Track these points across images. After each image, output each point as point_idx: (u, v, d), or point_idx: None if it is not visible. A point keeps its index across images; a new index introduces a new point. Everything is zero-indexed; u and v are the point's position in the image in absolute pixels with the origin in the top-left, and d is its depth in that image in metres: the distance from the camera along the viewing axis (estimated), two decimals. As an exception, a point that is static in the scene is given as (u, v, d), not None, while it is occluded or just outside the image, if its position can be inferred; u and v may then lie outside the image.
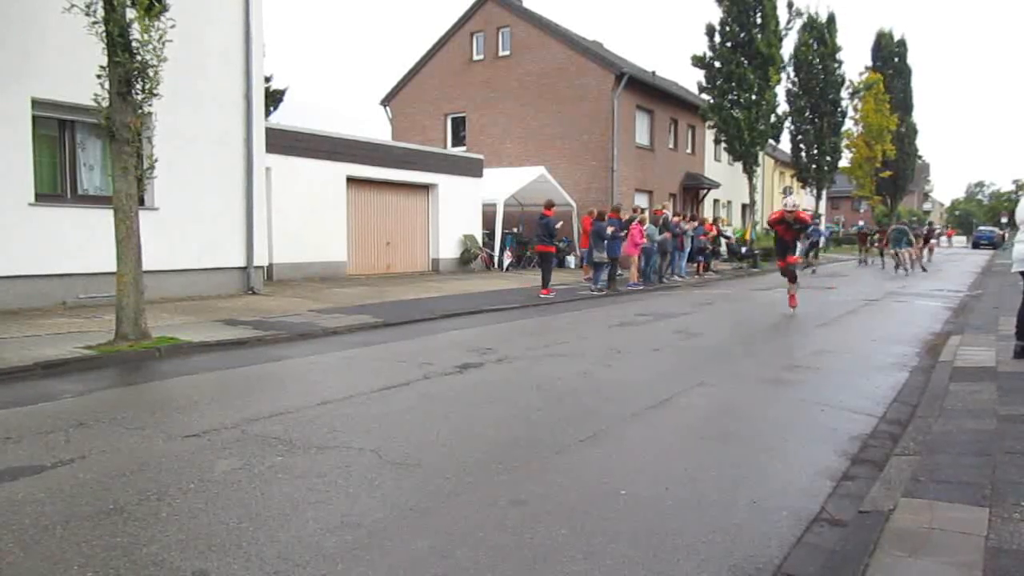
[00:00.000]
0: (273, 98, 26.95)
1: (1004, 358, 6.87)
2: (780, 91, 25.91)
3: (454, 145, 27.80)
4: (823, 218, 39.43)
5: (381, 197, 18.86)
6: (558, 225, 15.35)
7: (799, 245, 12.14)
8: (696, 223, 20.29)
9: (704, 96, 24.72)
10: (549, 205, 14.99)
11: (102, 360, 7.10)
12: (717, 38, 23.70)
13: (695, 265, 20.68)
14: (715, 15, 24.23)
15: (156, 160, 8.41)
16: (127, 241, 7.68)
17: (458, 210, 20.61)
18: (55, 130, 10.81)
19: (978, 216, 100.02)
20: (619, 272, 16.45)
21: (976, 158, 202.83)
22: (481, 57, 27.49)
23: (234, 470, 3.99)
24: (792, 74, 30.56)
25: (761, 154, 26.51)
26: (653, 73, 28.95)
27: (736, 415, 5.39)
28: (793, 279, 11.50)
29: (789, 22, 24.69)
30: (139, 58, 7.43)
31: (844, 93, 31.83)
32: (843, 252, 41.41)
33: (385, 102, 30.32)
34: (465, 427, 4.93)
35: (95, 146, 11.19)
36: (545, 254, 14.50)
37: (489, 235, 21.99)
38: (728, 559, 2.99)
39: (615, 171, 24.53)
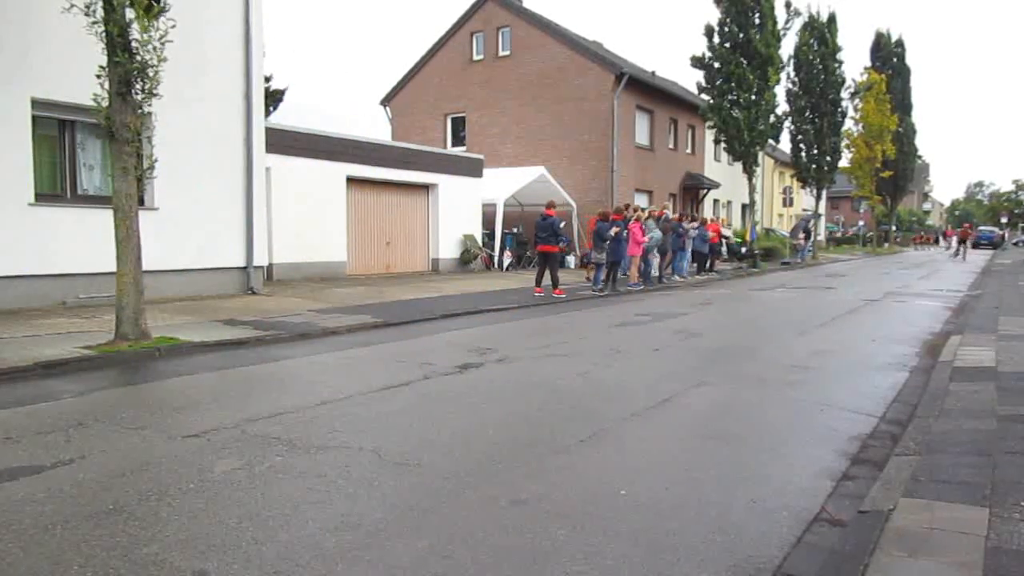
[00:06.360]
0: (273, 98, 26.93)
1: (1004, 358, 6.87)
2: (780, 91, 25.85)
3: (454, 145, 27.80)
4: (822, 219, 39.40)
5: (381, 197, 18.85)
6: (562, 225, 15.36)
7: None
8: (696, 223, 20.27)
9: (703, 96, 24.70)
10: (551, 205, 15.02)
11: (102, 360, 7.10)
12: (716, 39, 23.66)
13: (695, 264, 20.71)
14: (714, 16, 24.14)
15: (156, 160, 8.41)
16: (127, 241, 7.67)
17: (458, 210, 20.61)
18: (55, 130, 10.80)
19: (978, 216, 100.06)
20: (620, 272, 16.45)
21: (976, 158, 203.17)
22: (481, 57, 27.48)
23: (234, 470, 3.99)
24: (792, 74, 30.49)
25: (761, 154, 26.49)
26: (653, 73, 28.95)
27: (736, 415, 5.39)
28: None
29: (787, 22, 24.64)
30: (139, 58, 7.42)
31: (844, 93, 31.77)
32: (842, 252, 41.47)
33: (385, 102, 30.31)
34: (465, 427, 4.93)
35: (95, 146, 11.18)
36: (551, 254, 14.52)
37: (489, 235, 21.98)
38: (728, 559, 2.99)
39: (615, 171, 24.53)
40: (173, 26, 7.54)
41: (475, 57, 27.64)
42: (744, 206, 33.73)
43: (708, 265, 21.34)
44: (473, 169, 21.36)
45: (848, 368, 7.27)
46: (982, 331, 8.85)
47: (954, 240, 41.65)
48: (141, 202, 9.67)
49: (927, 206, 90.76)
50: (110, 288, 8.25)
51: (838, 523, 3.35)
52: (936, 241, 63.10)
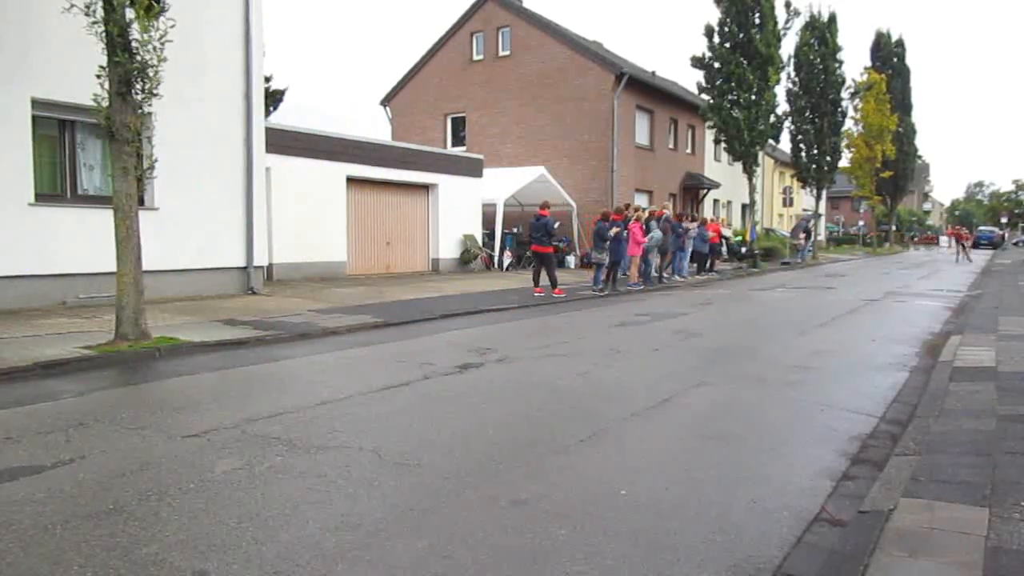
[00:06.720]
0: (273, 98, 26.91)
1: (1004, 358, 6.87)
2: (780, 91, 25.84)
3: (454, 145, 27.79)
4: (822, 218, 39.41)
5: (381, 197, 18.85)
6: (556, 225, 15.38)
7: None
8: (696, 223, 20.27)
9: (703, 96, 24.70)
10: (545, 206, 15.03)
11: (102, 360, 7.10)
12: (716, 39, 23.65)
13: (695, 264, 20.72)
14: (714, 16, 24.15)
15: (156, 160, 8.41)
16: (127, 241, 7.67)
17: (458, 210, 20.60)
18: (55, 130, 10.80)
19: (978, 216, 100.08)
20: (620, 272, 16.45)
21: (976, 158, 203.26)
22: (481, 57, 27.47)
23: (234, 470, 3.99)
24: (792, 74, 30.50)
25: (761, 154, 26.49)
26: (653, 73, 28.95)
27: (736, 415, 5.39)
28: None
29: (788, 22, 24.64)
30: (139, 58, 7.42)
31: (844, 93, 31.76)
32: (842, 252, 41.47)
33: (385, 102, 30.31)
34: (465, 427, 4.93)
35: (95, 146, 11.18)
36: (545, 254, 14.52)
37: (489, 235, 21.98)
38: (728, 559, 2.99)
39: (615, 171, 24.52)
40: (173, 26, 7.54)
41: (475, 57, 27.63)
42: (744, 206, 33.73)
43: (708, 265, 21.34)
44: (473, 169, 21.36)
45: (848, 368, 7.27)
46: (982, 331, 8.85)
47: (953, 241, 41.48)
48: (141, 202, 9.67)
49: (927, 206, 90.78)
50: (110, 288, 8.25)
51: (838, 523, 3.35)
52: (936, 241, 63.08)
